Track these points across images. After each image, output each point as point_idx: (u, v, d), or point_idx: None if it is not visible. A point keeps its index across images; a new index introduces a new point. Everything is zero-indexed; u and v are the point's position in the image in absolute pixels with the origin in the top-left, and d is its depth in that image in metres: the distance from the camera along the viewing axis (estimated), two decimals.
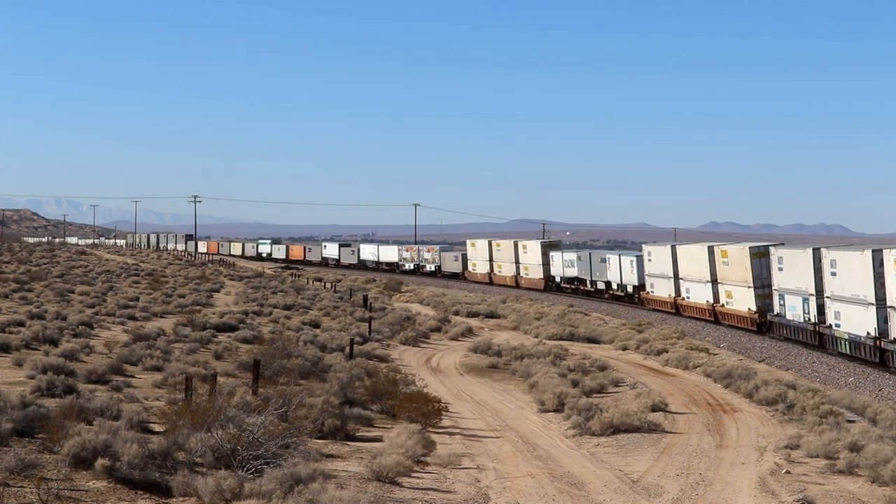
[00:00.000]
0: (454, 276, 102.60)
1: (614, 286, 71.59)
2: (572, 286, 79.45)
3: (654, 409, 26.19)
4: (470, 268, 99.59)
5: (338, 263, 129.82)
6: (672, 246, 61.42)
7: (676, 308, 59.78)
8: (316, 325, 46.70)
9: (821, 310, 42.03)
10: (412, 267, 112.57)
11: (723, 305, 53.38)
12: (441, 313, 57.13)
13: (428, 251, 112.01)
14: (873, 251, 36.87)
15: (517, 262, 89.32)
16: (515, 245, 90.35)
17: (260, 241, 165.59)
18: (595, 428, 23.17)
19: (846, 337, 39.27)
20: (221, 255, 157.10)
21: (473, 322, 55.16)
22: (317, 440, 20.04)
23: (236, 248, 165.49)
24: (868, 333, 37.18)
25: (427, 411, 23.41)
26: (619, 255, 72.17)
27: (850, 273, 38.69)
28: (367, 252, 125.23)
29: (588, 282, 76.48)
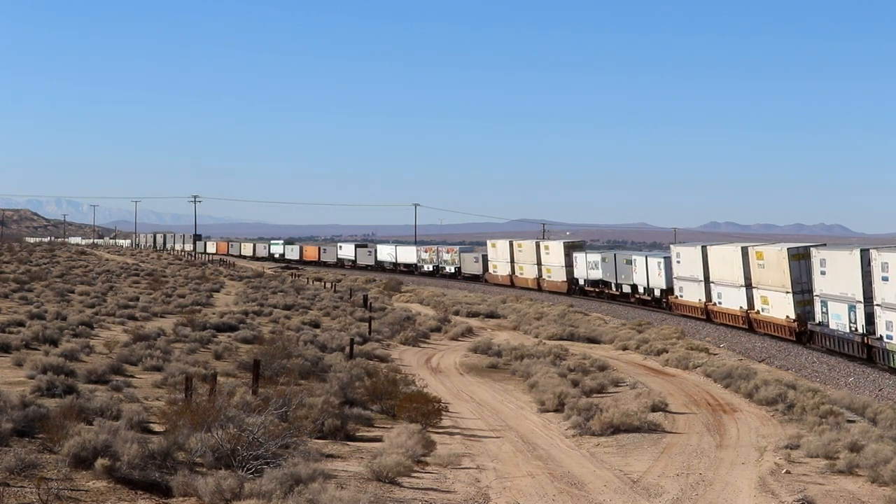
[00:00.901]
0: (474, 279, 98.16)
1: (640, 289, 67.46)
2: (596, 289, 75.31)
3: (654, 409, 26.18)
4: (491, 269, 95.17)
5: (354, 265, 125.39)
6: (702, 246, 57.09)
7: (707, 314, 55.65)
8: (316, 325, 46.70)
9: (870, 319, 37.42)
10: (431, 268, 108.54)
11: (758, 312, 48.93)
12: (441, 313, 57.12)
13: (447, 252, 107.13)
14: None
15: (539, 264, 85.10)
16: (537, 246, 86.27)
17: (272, 242, 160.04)
18: (595, 428, 23.16)
19: None
20: (232, 255, 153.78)
21: (473, 322, 55.15)
22: (317, 440, 20.03)
23: (247, 249, 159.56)
24: None
25: (427, 411, 23.41)
26: (646, 257, 67.66)
27: None
28: (385, 253, 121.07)
29: (613, 285, 72.09)
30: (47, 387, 23.21)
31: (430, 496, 16.63)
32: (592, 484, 18.22)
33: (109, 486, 15.36)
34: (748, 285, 50.08)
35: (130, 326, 40.08)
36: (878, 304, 36.64)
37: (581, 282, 77.98)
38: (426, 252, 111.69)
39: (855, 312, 38.77)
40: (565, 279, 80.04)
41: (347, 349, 35.00)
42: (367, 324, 46.52)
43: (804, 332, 44.28)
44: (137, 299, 55.60)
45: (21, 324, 38.15)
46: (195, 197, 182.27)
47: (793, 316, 44.79)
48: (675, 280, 60.38)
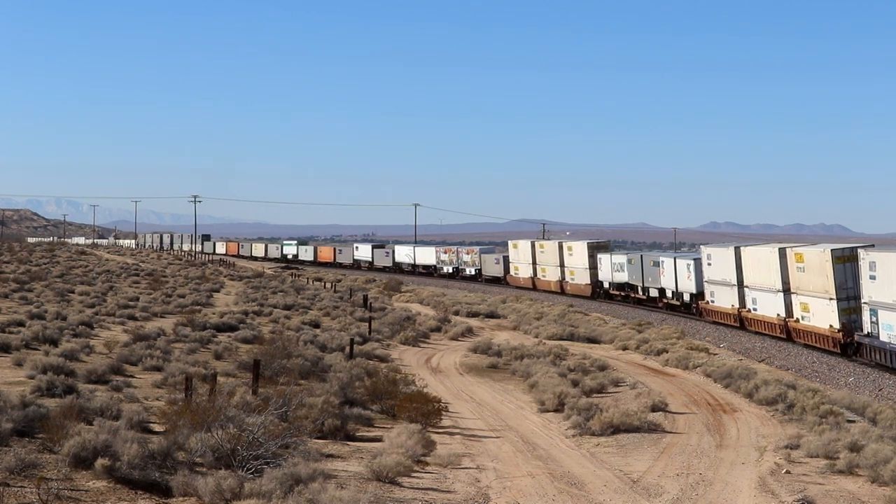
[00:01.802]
0: (495, 281, 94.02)
1: (669, 294, 62.98)
2: (622, 293, 71.03)
3: (654, 409, 26.18)
4: (512, 271, 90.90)
5: (371, 266, 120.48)
6: (735, 247, 52.63)
7: (741, 321, 51.39)
8: (316, 325, 46.70)
9: None
10: (451, 270, 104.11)
11: (797, 320, 44.32)
12: (441, 313, 57.12)
13: (467, 253, 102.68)
14: None
15: (562, 266, 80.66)
16: (560, 247, 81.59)
17: (285, 243, 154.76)
18: (595, 428, 23.16)
19: None
20: (242, 256, 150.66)
21: (473, 322, 55.15)
22: (317, 440, 20.03)
23: (258, 250, 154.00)
24: None
25: (427, 411, 23.41)
26: (675, 258, 63.10)
27: None
28: (403, 254, 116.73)
29: (639, 288, 67.83)
30: (47, 387, 23.21)
31: (430, 496, 16.62)
32: (592, 484, 18.22)
33: (109, 486, 15.35)
34: (786, 290, 45.62)
35: (130, 326, 40.08)
36: None
37: (606, 285, 73.87)
38: (445, 253, 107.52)
39: None
40: (589, 282, 75.91)
41: (347, 349, 35.00)
42: (367, 324, 46.51)
43: (850, 343, 39.76)
44: (137, 299, 55.60)
45: (21, 324, 38.15)
46: (195, 197, 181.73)
47: (837, 325, 40.29)
48: (705, 284, 56.38)
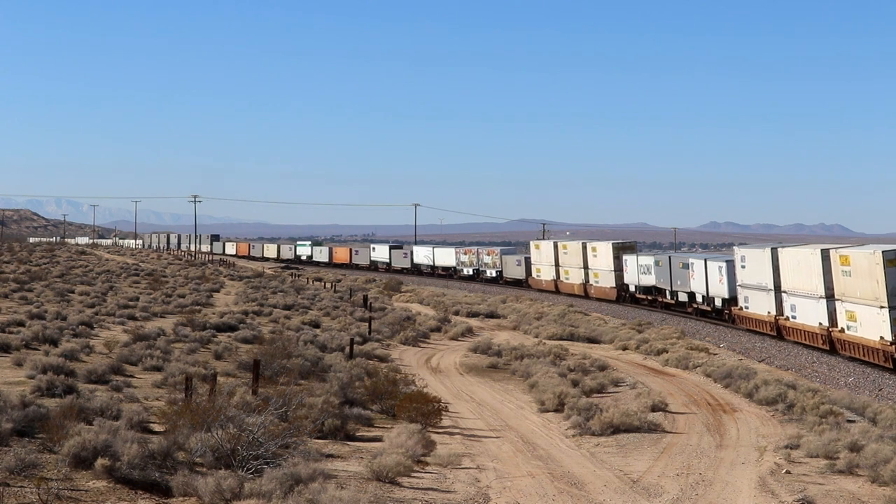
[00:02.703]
0: (517, 284, 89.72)
1: (699, 298, 58.60)
2: (649, 297, 66.85)
3: (654, 408, 26.19)
4: (534, 273, 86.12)
5: (389, 268, 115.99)
6: (772, 249, 48.16)
7: (778, 330, 47.01)
8: (316, 325, 46.71)
9: None
10: (471, 272, 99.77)
11: (842, 330, 39.40)
12: (441, 313, 57.14)
13: (488, 254, 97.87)
14: None
15: (586, 268, 76.33)
16: (584, 247, 77.13)
17: (299, 243, 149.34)
18: (595, 428, 23.17)
19: None
20: (254, 257, 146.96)
21: (473, 322, 55.16)
22: (317, 440, 20.03)
23: (271, 251, 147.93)
24: None
25: (427, 411, 23.41)
26: (705, 260, 58.35)
27: None
28: (422, 255, 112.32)
29: (667, 292, 63.41)
30: (47, 387, 23.21)
31: (430, 496, 16.62)
32: (592, 484, 18.22)
33: (109, 486, 15.35)
34: (829, 297, 40.77)
35: (130, 326, 40.08)
36: None
37: (632, 288, 69.46)
38: (465, 254, 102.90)
39: None
40: (614, 285, 71.65)
41: (347, 349, 35.01)
42: (367, 324, 46.52)
43: None
44: (137, 299, 55.60)
45: (21, 324, 38.16)
46: (195, 197, 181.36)
47: (889, 338, 35.51)
48: (738, 288, 51.97)
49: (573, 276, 78.66)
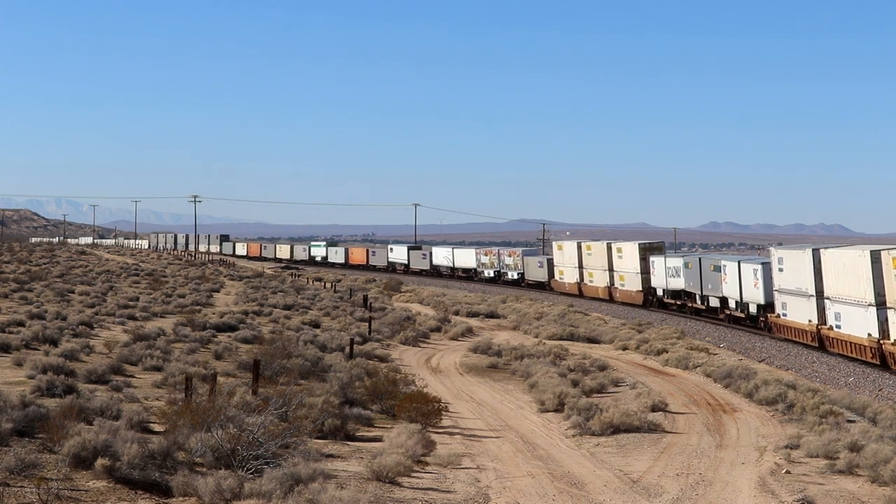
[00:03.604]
0: (539, 287, 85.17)
1: (732, 304, 54.20)
2: (678, 302, 62.59)
3: (654, 408, 26.19)
4: (556, 276, 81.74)
5: (407, 269, 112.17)
6: (813, 250, 43.25)
7: (820, 340, 42.23)
8: (316, 325, 46.71)
9: None
10: (492, 274, 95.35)
11: (895, 343, 35.68)
12: (441, 313, 57.13)
13: (509, 255, 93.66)
14: None
15: (611, 270, 72.20)
16: (609, 248, 72.80)
17: (313, 244, 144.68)
18: (595, 428, 23.16)
19: None
20: (266, 258, 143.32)
21: (473, 322, 55.16)
22: (317, 440, 20.02)
23: (283, 251, 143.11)
24: None
25: (427, 411, 23.41)
26: (739, 263, 53.60)
27: None
28: (441, 256, 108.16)
29: (698, 297, 58.94)
30: (47, 387, 23.21)
31: (430, 496, 16.62)
32: (592, 484, 18.21)
33: (109, 486, 15.35)
34: (880, 304, 36.42)
35: (130, 326, 40.08)
36: None
37: (659, 292, 65.43)
38: (486, 255, 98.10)
39: None
40: (640, 289, 67.43)
41: (347, 349, 35.00)
42: (367, 324, 46.52)
43: None
44: (137, 299, 55.61)
45: (21, 324, 38.16)
46: (195, 197, 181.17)
47: None
48: (775, 293, 47.41)
49: (597, 279, 74.42)
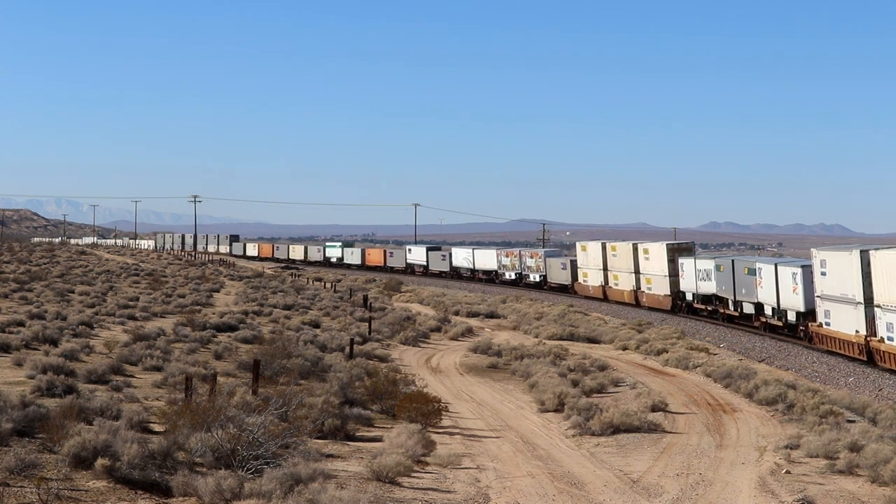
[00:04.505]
0: (562, 290, 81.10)
1: (768, 310, 49.19)
2: (708, 307, 57.92)
3: (654, 409, 26.19)
4: (580, 279, 77.79)
5: (426, 271, 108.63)
6: (861, 251, 38.00)
7: (868, 353, 37.36)
8: (316, 325, 46.72)
9: None
10: (514, 276, 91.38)
11: None
12: (441, 313, 57.14)
13: (531, 257, 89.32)
14: None
15: (637, 273, 67.75)
16: (635, 249, 68.58)
17: (328, 244, 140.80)
18: (595, 428, 23.16)
19: None
20: (278, 259, 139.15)
21: (473, 322, 55.17)
22: (317, 440, 20.03)
23: (297, 252, 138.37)
24: None
25: (427, 411, 23.41)
26: (776, 265, 48.71)
27: None
28: (461, 257, 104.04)
29: (730, 302, 54.31)
30: (47, 387, 23.21)
31: (430, 496, 16.62)
32: (592, 484, 18.21)
33: (109, 486, 15.35)
34: None
35: (130, 326, 40.08)
36: None
37: (689, 296, 60.46)
38: (507, 256, 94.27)
39: None
40: (669, 292, 62.62)
41: (347, 349, 35.01)
42: (367, 324, 46.53)
43: None
44: (137, 299, 55.61)
45: (21, 324, 38.16)
46: (195, 197, 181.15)
47: None
48: (817, 300, 42.44)
49: (623, 282, 69.96)
